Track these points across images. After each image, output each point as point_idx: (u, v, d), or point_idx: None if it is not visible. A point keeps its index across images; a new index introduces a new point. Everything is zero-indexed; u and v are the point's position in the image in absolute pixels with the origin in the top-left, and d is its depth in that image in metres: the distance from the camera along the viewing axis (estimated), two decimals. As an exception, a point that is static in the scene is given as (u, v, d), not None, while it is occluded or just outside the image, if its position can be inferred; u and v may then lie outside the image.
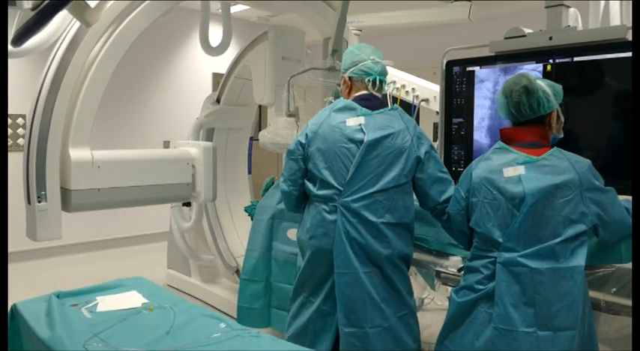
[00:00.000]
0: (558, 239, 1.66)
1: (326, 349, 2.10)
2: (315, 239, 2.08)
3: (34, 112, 2.20)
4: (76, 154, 2.25)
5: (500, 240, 1.72)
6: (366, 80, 2.11)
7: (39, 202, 2.17)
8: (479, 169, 1.84)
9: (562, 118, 1.85)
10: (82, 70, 2.26)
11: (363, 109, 2.06)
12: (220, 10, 3.55)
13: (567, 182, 1.67)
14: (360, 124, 2.03)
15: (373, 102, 2.09)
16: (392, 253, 2.03)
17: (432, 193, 2.05)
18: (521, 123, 1.82)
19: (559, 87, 1.81)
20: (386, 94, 2.24)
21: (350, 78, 2.14)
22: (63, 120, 2.23)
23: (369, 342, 2.02)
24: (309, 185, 2.13)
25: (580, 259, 1.67)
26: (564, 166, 1.70)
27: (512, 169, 1.74)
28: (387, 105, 2.16)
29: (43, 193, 2.18)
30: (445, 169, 2.10)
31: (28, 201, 2.21)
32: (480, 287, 1.77)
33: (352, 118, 2.05)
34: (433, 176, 2.05)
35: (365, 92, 2.11)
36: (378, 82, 2.11)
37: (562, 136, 1.87)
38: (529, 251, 1.68)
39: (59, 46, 2.25)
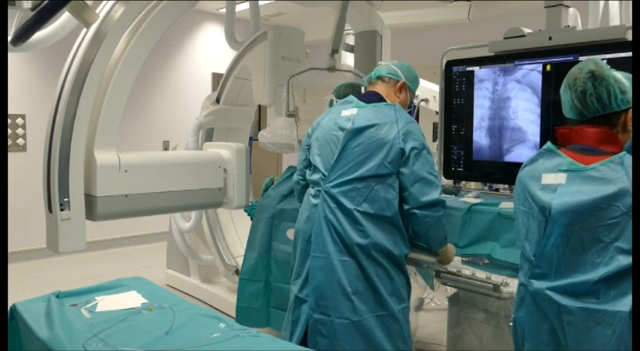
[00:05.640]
0: (601, 272, 1.35)
1: (299, 337, 2.06)
2: (300, 224, 2.15)
3: (56, 113, 2.04)
4: (102, 157, 2.06)
5: (532, 258, 1.49)
6: (365, 80, 2.30)
7: (61, 210, 1.98)
8: (523, 171, 1.59)
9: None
10: (107, 68, 2.13)
11: (361, 102, 2.16)
12: (223, 10, 3.58)
13: (612, 200, 1.33)
14: (351, 115, 2.11)
15: (368, 97, 2.19)
16: (367, 244, 1.98)
17: (413, 191, 1.98)
18: (586, 121, 1.50)
19: None
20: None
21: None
22: (87, 121, 2.05)
23: (334, 332, 1.98)
24: (307, 172, 2.21)
25: (627, 302, 1.32)
26: (616, 179, 1.35)
27: (552, 176, 1.46)
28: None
29: (66, 200, 1.99)
30: (436, 173, 2.03)
31: (50, 209, 2.02)
32: (514, 315, 1.57)
33: (348, 109, 2.15)
34: (418, 174, 1.98)
35: (368, 90, 2.27)
36: (373, 78, 2.24)
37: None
38: (561, 284, 1.41)
39: (79, 44, 2.13)
